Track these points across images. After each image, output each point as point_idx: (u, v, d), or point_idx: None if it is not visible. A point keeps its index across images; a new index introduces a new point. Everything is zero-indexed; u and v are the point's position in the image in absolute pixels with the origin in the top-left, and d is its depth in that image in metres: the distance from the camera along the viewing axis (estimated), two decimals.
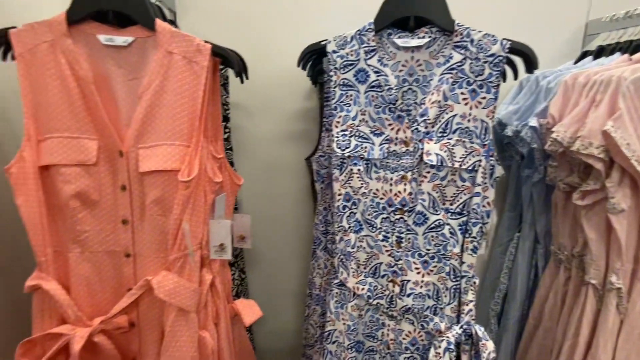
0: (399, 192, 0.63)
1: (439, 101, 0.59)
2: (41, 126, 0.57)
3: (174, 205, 0.59)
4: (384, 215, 0.65)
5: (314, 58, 0.70)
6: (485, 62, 0.58)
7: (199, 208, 0.61)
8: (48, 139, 0.57)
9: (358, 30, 0.62)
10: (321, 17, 0.92)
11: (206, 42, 0.59)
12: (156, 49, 0.58)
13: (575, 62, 0.89)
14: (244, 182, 0.73)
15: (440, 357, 0.60)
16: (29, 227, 0.56)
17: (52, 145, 0.57)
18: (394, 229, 0.64)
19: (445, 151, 0.59)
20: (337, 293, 0.69)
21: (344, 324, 0.68)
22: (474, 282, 0.62)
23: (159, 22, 0.57)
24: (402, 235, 0.64)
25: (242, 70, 0.64)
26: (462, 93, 0.59)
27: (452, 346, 0.61)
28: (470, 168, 0.59)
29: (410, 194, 0.62)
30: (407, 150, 0.62)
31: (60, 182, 0.57)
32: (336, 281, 0.69)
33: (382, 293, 0.66)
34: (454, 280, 0.63)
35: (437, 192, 0.61)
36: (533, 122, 0.76)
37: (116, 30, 0.58)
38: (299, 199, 1.03)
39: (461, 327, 0.62)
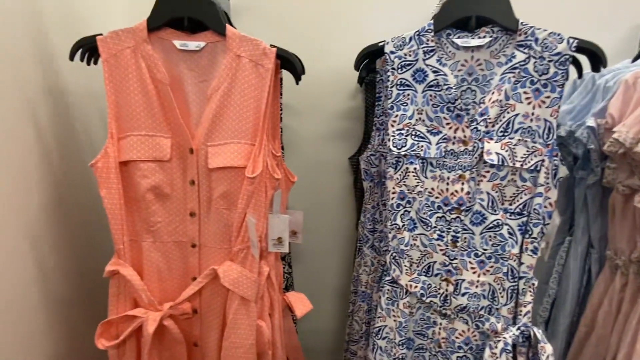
0: (456, 191, 0.63)
1: (500, 100, 0.59)
2: (122, 125, 0.62)
3: (238, 200, 0.63)
4: (439, 214, 0.65)
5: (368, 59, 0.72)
6: (550, 60, 0.57)
7: (260, 203, 0.64)
8: (128, 136, 0.62)
9: (417, 31, 0.62)
10: (367, 19, 0.93)
11: (272, 45, 0.62)
12: (225, 53, 0.61)
13: (633, 61, 0.85)
14: None
15: (497, 357, 0.60)
16: (110, 217, 0.62)
17: (132, 142, 0.62)
18: (449, 228, 0.65)
19: (506, 150, 0.59)
20: (388, 290, 0.70)
21: (395, 320, 0.69)
22: (533, 284, 0.61)
23: (229, 28, 0.61)
24: (458, 235, 0.64)
25: (302, 72, 0.67)
26: (524, 92, 0.58)
27: (509, 347, 0.60)
28: (531, 168, 0.59)
29: (467, 193, 0.62)
30: (466, 149, 0.62)
31: (138, 177, 0.62)
32: (388, 278, 0.70)
33: (436, 291, 0.66)
34: (511, 281, 0.62)
35: (496, 192, 0.61)
36: (590, 122, 0.73)
37: (188, 36, 0.62)
38: (341, 197, 1.05)
39: (518, 328, 0.61)
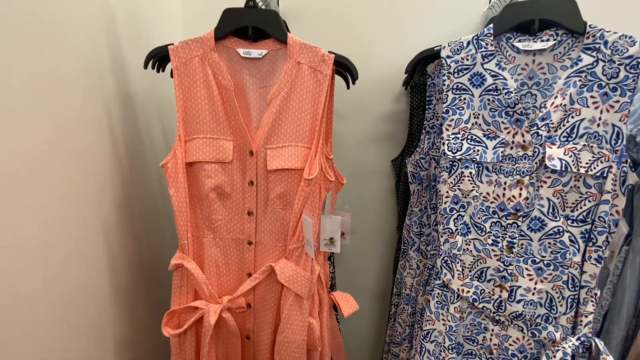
0: (513, 196, 0.62)
1: (564, 105, 0.58)
2: (188, 128, 0.66)
3: (294, 200, 0.65)
4: (494, 220, 0.64)
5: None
6: (620, 64, 0.55)
7: (315, 204, 0.67)
8: (194, 139, 0.66)
9: (475, 35, 0.62)
10: (410, 21, 0.93)
11: (329, 52, 0.64)
12: (286, 60, 0.64)
13: None
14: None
15: None
16: (177, 214, 0.66)
17: (197, 145, 0.66)
18: (505, 234, 0.64)
19: (570, 156, 0.57)
20: (438, 294, 0.70)
21: (445, 324, 0.69)
22: (595, 294, 0.59)
23: (290, 36, 0.63)
24: (515, 241, 0.63)
25: (356, 78, 0.68)
26: (591, 96, 0.57)
27: (568, 357, 0.58)
28: (597, 174, 0.57)
29: (526, 198, 0.61)
30: (525, 154, 0.61)
31: (202, 177, 0.66)
32: (438, 282, 0.70)
33: (490, 297, 0.65)
34: (571, 289, 0.60)
35: (557, 198, 0.60)
36: None
37: (251, 44, 0.66)
38: (383, 200, 1.05)
39: (578, 338, 0.59)
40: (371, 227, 1.07)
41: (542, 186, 0.60)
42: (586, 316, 0.60)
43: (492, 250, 0.65)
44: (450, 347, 0.69)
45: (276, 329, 0.70)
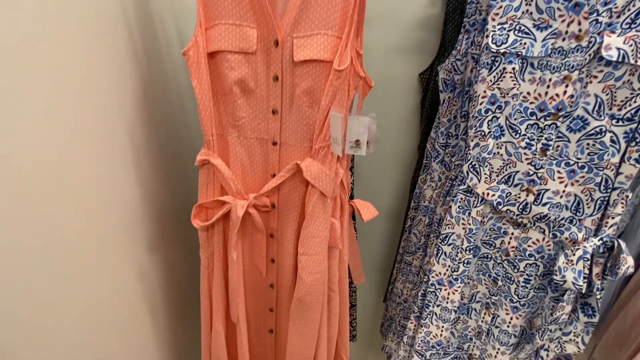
0: (557, 94, 0.58)
1: None
2: (209, 13, 0.61)
3: (322, 97, 0.63)
4: (532, 121, 0.61)
5: None
6: None
7: (343, 102, 0.64)
8: (215, 25, 0.61)
9: None
10: None
11: None
12: None
13: None
14: None
15: (573, 264, 0.61)
16: (200, 107, 0.64)
17: (219, 32, 0.61)
18: (540, 136, 0.61)
19: (630, 45, 0.52)
20: (461, 199, 0.70)
21: (464, 228, 0.70)
22: (627, 196, 0.58)
23: None
24: (550, 143, 0.61)
25: None
26: None
27: (587, 255, 0.60)
28: None
29: (570, 96, 0.58)
30: (579, 45, 0.55)
31: (225, 69, 0.63)
32: (462, 187, 0.69)
33: (515, 200, 0.66)
34: (603, 192, 0.60)
35: (606, 95, 0.56)
36: None
37: None
38: (405, 119, 1.01)
39: (600, 239, 0.60)
40: (391, 146, 1.05)
41: (591, 82, 0.56)
42: (613, 218, 0.60)
43: (524, 153, 0.63)
44: (467, 249, 0.71)
45: (299, 228, 0.73)
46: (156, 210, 0.84)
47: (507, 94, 0.60)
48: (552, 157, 0.61)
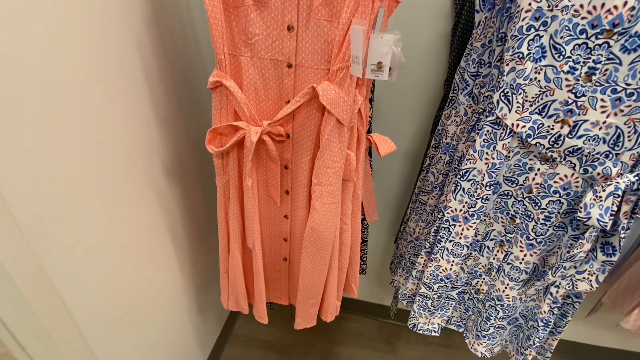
0: (615, 6, 0.50)
1: None
2: None
3: (342, 8, 0.57)
4: (580, 41, 0.54)
5: None
6: None
7: (366, 15, 0.58)
8: None
9: None
10: None
11: None
12: None
13: None
14: None
15: (601, 200, 0.58)
16: (211, 21, 0.60)
17: None
18: (588, 58, 0.54)
19: None
20: (487, 131, 0.66)
21: (487, 162, 0.67)
22: None
23: None
24: (598, 66, 0.54)
25: None
26: None
27: (619, 192, 0.56)
28: None
29: (632, 8, 0.49)
30: None
31: None
32: (490, 118, 0.65)
33: (547, 132, 0.61)
34: None
35: None
36: None
37: None
38: (432, 49, 0.93)
39: (637, 175, 0.56)
40: (415, 80, 0.98)
41: None
42: None
43: (566, 79, 0.57)
44: (488, 184, 0.69)
45: (314, 158, 0.71)
46: (169, 134, 0.84)
47: (557, 6, 0.53)
48: (597, 83, 0.55)
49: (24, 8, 0.47)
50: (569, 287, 0.69)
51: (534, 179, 0.66)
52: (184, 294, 1.03)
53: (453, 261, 0.78)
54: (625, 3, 0.50)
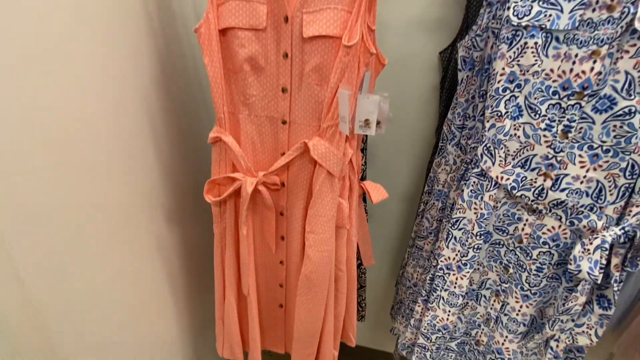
0: (583, 71, 0.54)
1: None
2: None
3: (331, 75, 0.62)
4: (554, 101, 0.58)
5: None
6: None
7: (352, 79, 0.63)
8: (226, 2, 0.62)
9: None
10: None
11: None
12: None
13: None
14: None
15: (589, 253, 0.58)
16: (212, 84, 0.66)
17: (230, 8, 0.62)
18: (562, 117, 0.58)
19: None
20: (474, 182, 0.68)
21: (476, 212, 0.69)
22: None
23: None
24: (572, 125, 0.57)
25: None
26: None
27: (606, 245, 0.57)
28: None
29: (598, 73, 0.53)
30: (610, 16, 0.51)
31: (236, 46, 0.64)
32: (475, 170, 0.67)
33: (531, 185, 0.63)
34: (628, 177, 0.56)
35: (638, 72, 0.51)
36: None
37: None
38: (424, 99, 0.98)
39: (622, 228, 0.57)
40: (408, 128, 1.03)
41: (621, 57, 0.51)
42: (638, 206, 0.56)
43: (544, 135, 0.60)
44: (478, 234, 0.69)
45: (307, 206, 0.74)
46: (173, 184, 0.88)
47: (528, 71, 0.57)
48: (574, 140, 0.58)
49: (39, 70, 0.52)
50: (569, 341, 0.67)
51: (523, 229, 0.67)
52: (179, 340, 1.01)
53: (449, 311, 0.77)
54: (592, 69, 0.54)
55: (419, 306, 0.84)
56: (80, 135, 0.60)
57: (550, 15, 0.53)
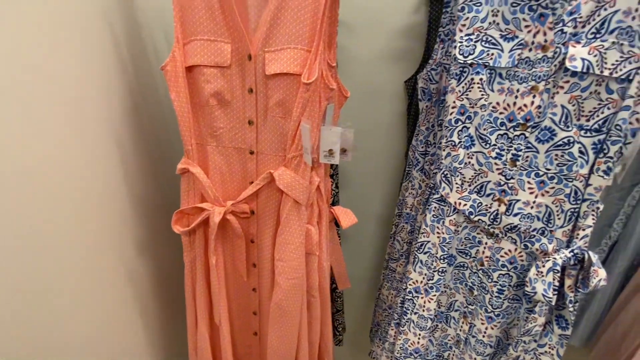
0: (525, 105, 0.58)
1: None
2: (186, 30, 0.64)
3: (293, 108, 0.65)
4: (501, 132, 0.61)
5: None
6: None
7: (314, 113, 0.66)
8: (192, 41, 0.65)
9: None
10: None
11: None
12: None
13: None
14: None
15: (542, 276, 0.60)
16: (180, 118, 0.68)
17: (195, 47, 0.64)
18: (510, 146, 0.61)
19: (595, 56, 0.51)
20: (435, 208, 0.70)
21: (439, 236, 0.71)
22: (597, 208, 0.58)
23: None
24: (520, 153, 0.61)
25: None
26: None
27: (557, 267, 0.59)
28: (622, 77, 0.51)
29: (538, 107, 0.57)
30: (545, 56, 0.55)
31: (202, 82, 0.66)
32: (436, 196, 0.70)
33: (486, 210, 0.66)
34: (572, 203, 0.59)
35: (573, 106, 0.55)
36: None
37: None
38: (392, 124, 1.02)
39: (572, 251, 0.59)
40: (379, 153, 1.06)
41: (557, 92, 0.55)
42: (584, 229, 0.59)
43: (495, 163, 0.63)
44: (442, 258, 0.71)
45: (276, 234, 0.75)
46: (144, 213, 0.88)
47: (476, 104, 0.61)
48: (522, 168, 0.61)
49: (7, 115, 0.53)
50: None
51: (483, 252, 0.69)
52: None
53: (420, 334, 0.78)
54: (532, 102, 0.58)
55: (392, 329, 0.85)
56: (51, 165, 0.60)
57: (492, 54, 0.58)
